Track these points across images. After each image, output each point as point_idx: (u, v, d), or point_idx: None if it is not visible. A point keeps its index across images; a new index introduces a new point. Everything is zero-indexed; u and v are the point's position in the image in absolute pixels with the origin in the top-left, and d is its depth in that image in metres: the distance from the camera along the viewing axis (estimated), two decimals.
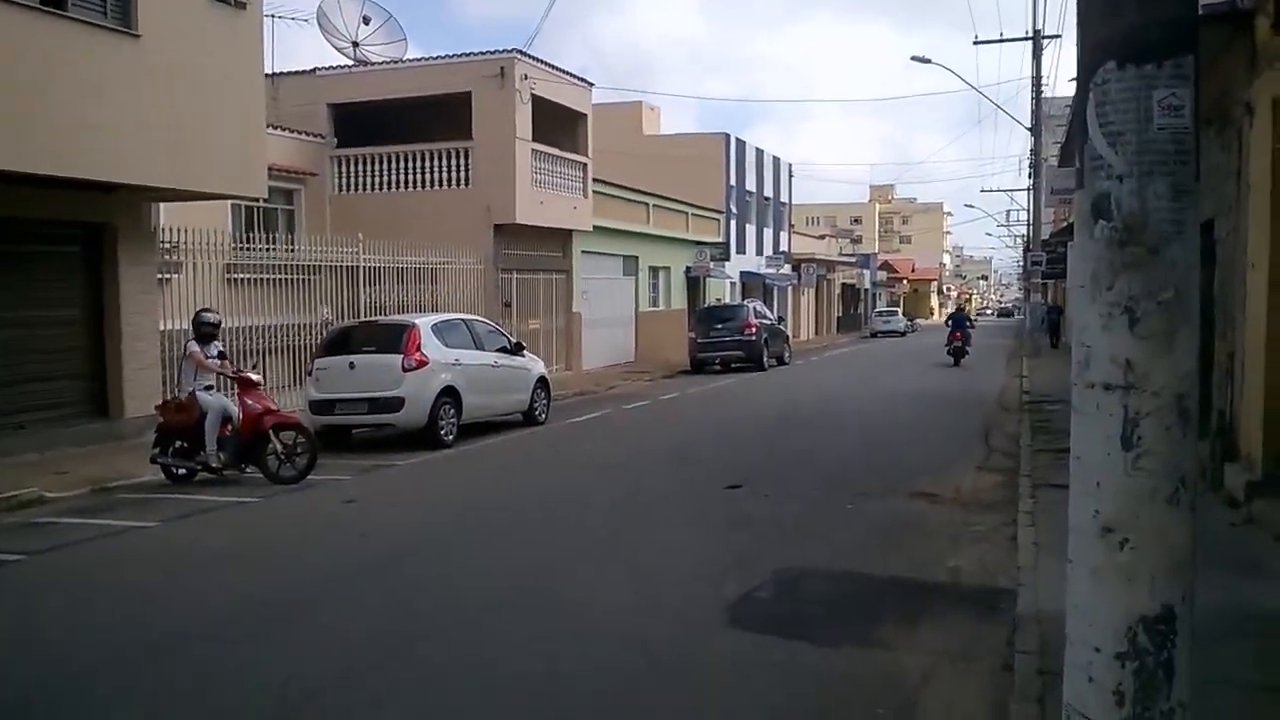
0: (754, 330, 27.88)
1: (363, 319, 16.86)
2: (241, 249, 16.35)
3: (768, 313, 31.80)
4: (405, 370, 13.34)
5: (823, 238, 63.02)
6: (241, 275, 16.13)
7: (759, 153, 45.26)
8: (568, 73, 24.62)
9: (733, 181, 41.06)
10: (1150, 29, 2.67)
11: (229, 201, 16.90)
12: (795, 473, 11.20)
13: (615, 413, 17.92)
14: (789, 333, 35.02)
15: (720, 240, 37.28)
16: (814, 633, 5.72)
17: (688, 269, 34.39)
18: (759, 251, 44.07)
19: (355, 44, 23.78)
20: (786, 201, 49.58)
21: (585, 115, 25.43)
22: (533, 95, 22.34)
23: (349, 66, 23.55)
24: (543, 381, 16.34)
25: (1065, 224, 31.26)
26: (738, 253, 39.97)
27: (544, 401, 16.32)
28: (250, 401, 11.15)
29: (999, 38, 34.63)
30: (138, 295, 13.94)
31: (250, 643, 5.80)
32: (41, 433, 12.66)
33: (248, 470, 11.28)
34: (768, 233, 45.97)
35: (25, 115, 10.89)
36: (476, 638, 5.80)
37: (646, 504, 9.73)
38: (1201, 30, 3.18)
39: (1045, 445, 12.09)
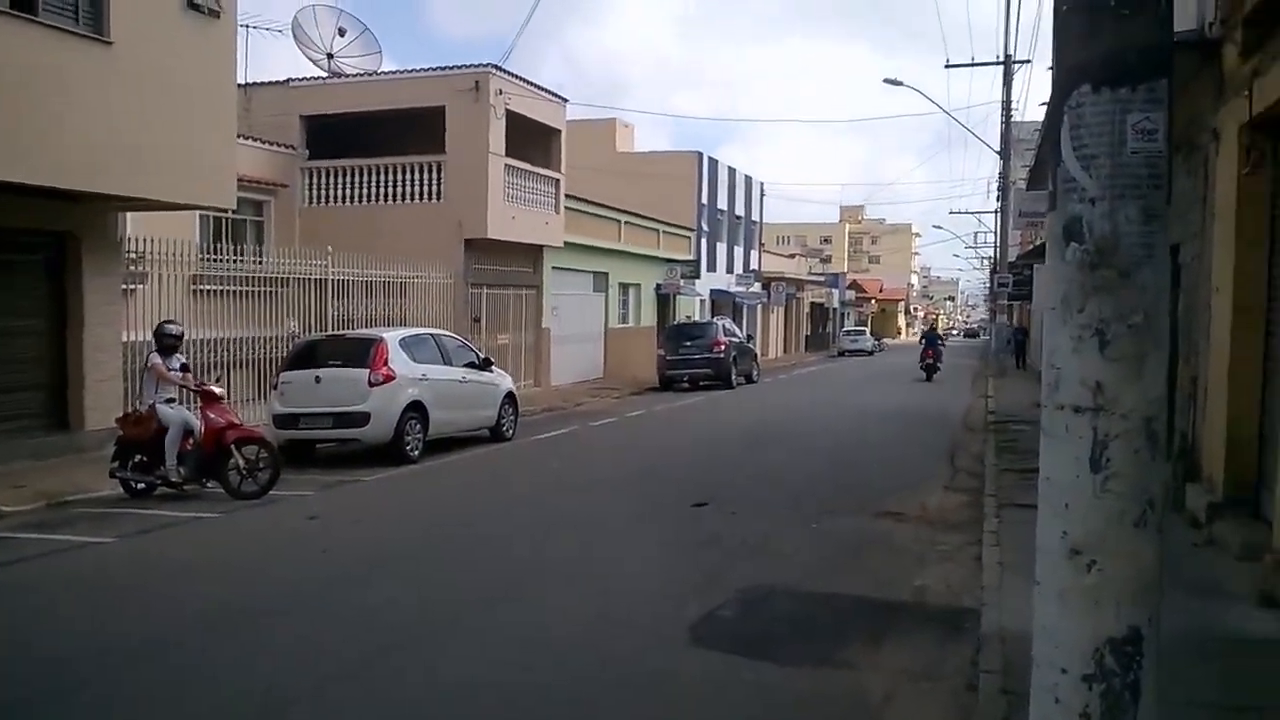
0: (723, 348, 27.92)
1: (330, 333, 16.72)
2: (208, 260, 16.16)
3: (737, 331, 31.87)
4: (371, 385, 13.22)
5: (793, 257, 63.31)
6: (208, 287, 15.95)
7: (731, 171, 45.45)
8: (542, 88, 24.63)
9: (704, 200, 41.19)
10: (1126, 53, 2.69)
11: (197, 212, 16.72)
12: (762, 491, 11.19)
13: (583, 429, 17.86)
14: (758, 351, 35.10)
15: (691, 258, 37.36)
16: (778, 652, 5.71)
17: (658, 286, 34.43)
18: (729, 270, 44.21)
19: (330, 56, 23.68)
20: (757, 220, 49.78)
21: (559, 131, 25.43)
22: (507, 110, 22.31)
23: (323, 78, 23.44)
24: (511, 397, 16.26)
25: (1032, 246, 31.59)
26: (708, 270, 40.08)
27: (511, 417, 16.24)
28: (212, 415, 11.00)
29: (970, 62, 34.96)
30: (101, 306, 13.74)
31: (210, 658, 5.70)
32: None
33: (209, 485, 11.12)
34: (738, 251, 46.13)
35: None
36: (444, 653, 5.74)
37: (613, 521, 9.69)
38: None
39: (1010, 465, 12.17)
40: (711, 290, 40.68)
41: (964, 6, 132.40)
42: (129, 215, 14.78)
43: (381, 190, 22.18)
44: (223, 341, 15.82)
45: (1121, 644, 2.67)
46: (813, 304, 63.65)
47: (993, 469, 12.00)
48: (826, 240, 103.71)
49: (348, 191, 22.30)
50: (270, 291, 17.24)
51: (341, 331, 16.71)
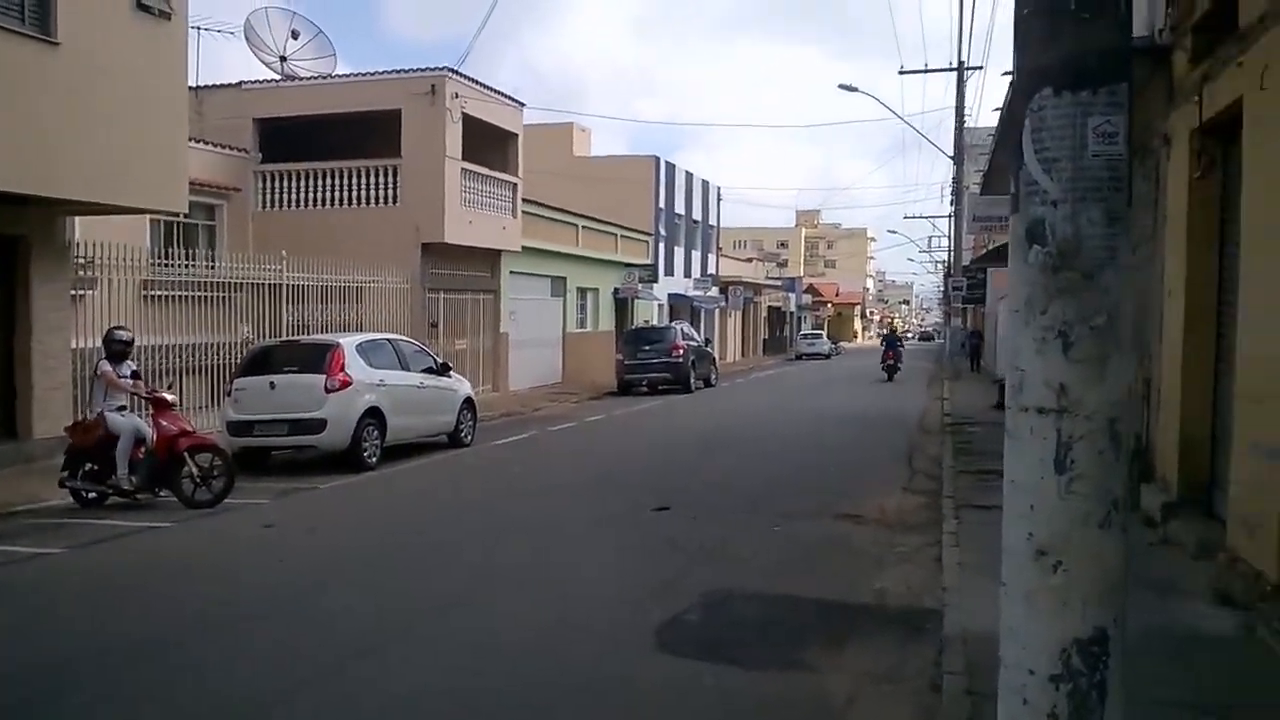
0: (681, 352, 27.96)
1: (285, 338, 16.51)
2: (160, 265, 15.90)
3: (695, 335, 31.95)
4: (328, 391, 13.07)
5: (750, 261, 63.62)
6: (159, 292, 15.69)
7: (688, 176, 45.57)
8: (499, 92, 24.54)
9: (662, 204, 41.26)
10: (1087, 57, 2.70)
11: (148, 216, 16.45)
12: (722, 495, 11.19)
13: (542, 434, 17.79)
14: (716, 355, 35.21)
15: (649, 262, 37.40)
16: (742, 656, 5.69)
17: (616, 290, 34.42)
18: (687, 274, 44.31)
19: (283, 59, 23.44)
20: (715, 225, 49.96)
21: (516, 135, 25.36)
22: (463, 114, 22.21)
23: (276, 81, 23.19)
24: (469, 403, 16.16)
25: (985, 251, 31.94)
26: (666, 275, 40.14)
27: (470, 423, 16.14)
28: (165, 423, 10.80)
29: (924, 68, 35.33)
30: (50, 312, 13.47)
31: (163, 671, 5.59)
32: None
33: (162, 494, 10.90)
34: (696, 255, 46.24)
35: None
36: (403, 662, 5.66)
37: (573, 526, 9.65)
38: None
39: (967, 467, 12.28)
40: (669, 294, 40.75)
41: (917, 13, 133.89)
42: (77, 219, 14.50)
43: (337, 194, 21.98)
44: (175, 348, 15.56)
45: (1088, 644, 2.67)
46: (770, 308, 64.00)
47: (950, 471, 12.10)
48: (783, 245, 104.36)
49: (302, 195, 22.07)
50: (223, 297, 17.00)
51: (297, 337, 16.49)
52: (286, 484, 12.31)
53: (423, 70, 21.98)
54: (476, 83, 23.23)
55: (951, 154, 35.68)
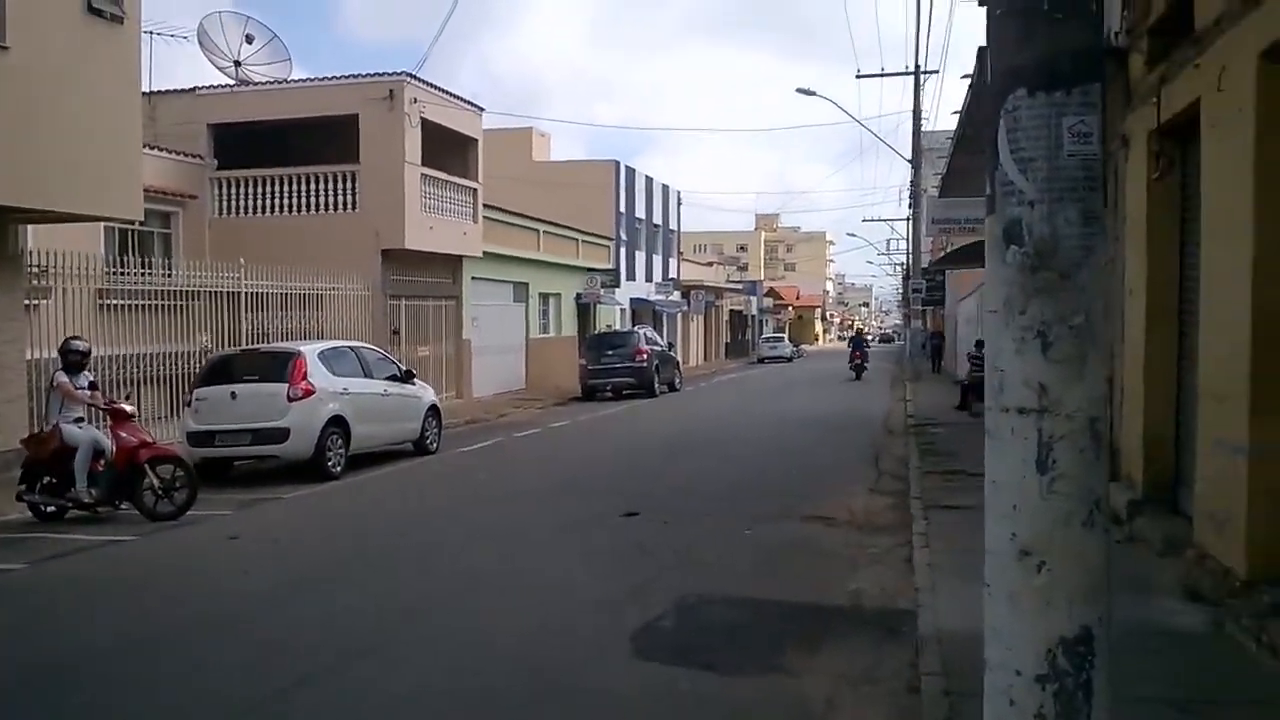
0: (645, 357, 27.95)
1: (245, 347, 16.29)
2: (115, 274, 15.62)
3: (658, 339, 31.96)
4: (291, 400, 12.91)
5: (711, 265, 63.77)
6: (115, 301, 15.41)
7: (648, 180, 45.61)
8: (458, 97, 24.42)
9: (623, 208, 41.26)
10: (1060, 57, 2.72)
11: (102, 224, 16.17)
12: (691, 499, 11.18)
13: (508, 441, 17.70)
14: (679, 359, 35.25)
15: (610, 267, 37.37)
16: (718, 661, 5.67)
17: (578, 296, 34.36)
18: (648, 278, 44.33)
19: (237, 63, 23.14)
20: (675, 229, 50.03)
21: (476, 140, 25.24)
22: (422, 119, 22.05)
23: (231, 86, 22.88)
24: (434, 410, 16.05)
25: (944, 253, 32.25)
26: (628, 279, 40.13)
27: (435, 430, 16.02)
28: (124, 434, 10.61)
29: (880, 72, 35.67)
30: (3, 322, 13.16)
31: (126, 685, 5.48)
32: None
33: (123, 507, 10.70)
34: (657, 260, 46.27)
35: None
36: (375, 669, 5.58)
37: (543, 533, 9.58)
38: None
39: (933, 467, 12.36)
40: (631, 299, 40.75)
41: (873, 17, 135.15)
42: (30, 228, 14.22)
43: (295, 200, 21.73)
44: (132, 357, 15.30)
45: (1074, 644, 2.68)
46: (732, 311, 64.17)
47: (916, 471, 12.16)
48: (743, 248, 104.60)
49: (260, 202, 21.79)
50: (181, 305, 16.74)
51: (257, 346, 16.28)
52: (250, 495, 12.14)
53: (381, 75, 21.80)
54: (435, 87, 23.09)
55: (909, 157, 35.99)
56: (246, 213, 21.76)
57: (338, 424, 13.37)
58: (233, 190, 21.93)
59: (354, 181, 21.60)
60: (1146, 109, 7.83)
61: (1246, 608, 5.42)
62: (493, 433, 18.88)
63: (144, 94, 15.70)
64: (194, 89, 22.66)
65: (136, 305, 15.77)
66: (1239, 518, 5.71)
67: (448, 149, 23.77)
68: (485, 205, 25.52)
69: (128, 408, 11.01)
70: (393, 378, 15.14)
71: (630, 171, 43.04)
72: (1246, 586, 5.58)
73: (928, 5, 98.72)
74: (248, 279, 17.90)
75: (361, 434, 13.89)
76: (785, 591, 7.14)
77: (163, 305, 16.37)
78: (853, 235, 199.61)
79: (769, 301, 76.65)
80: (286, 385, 12.96)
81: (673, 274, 47.97)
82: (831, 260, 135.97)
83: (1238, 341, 5.79)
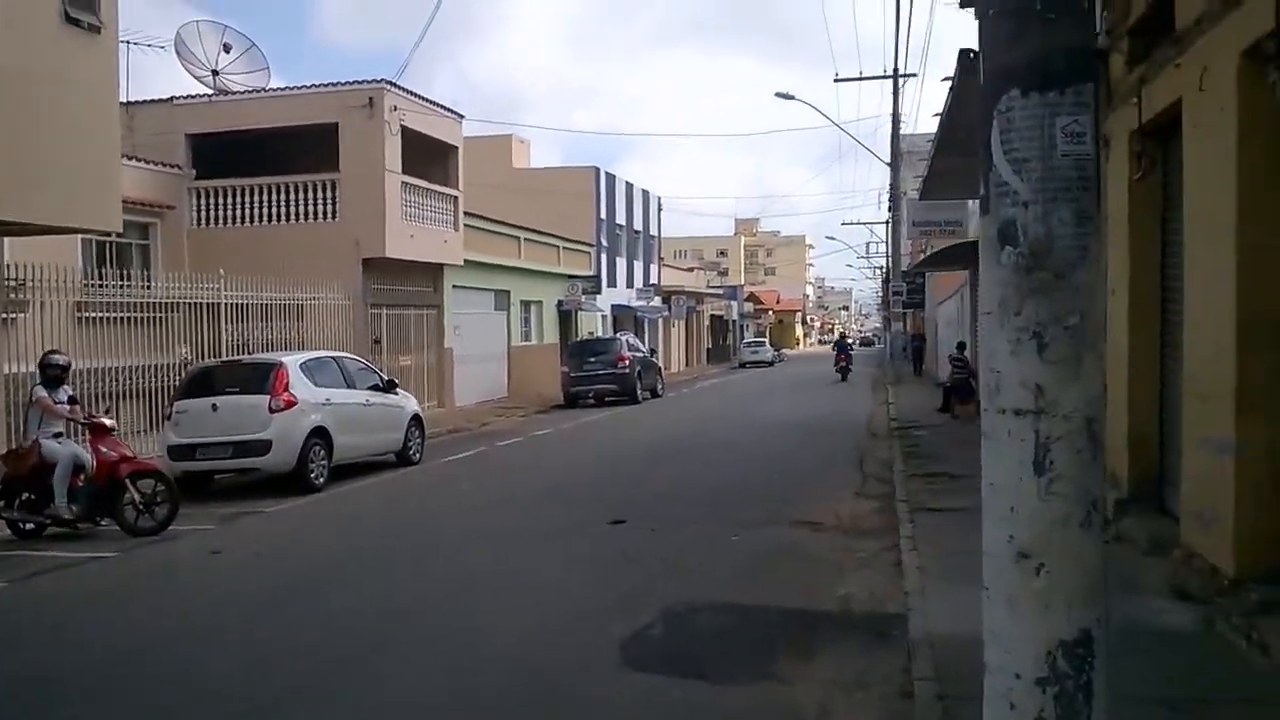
0: (627, 363, 27.92)
1: (225, 358, 16.16)
2: (93, 286, 15.46)
3: (640, 345, 31.93)
4: (272, 411, 12.81)
5: (691, 270, 63.79)
6: (93, 314, 15.25)
7: (629, 186, 45.61)
8: (438, 104, 24.32)
9: (603, 215, 41.24)
10: (1053, 57, 2.71)
11: (80, 236, 16.01)
12: (677, 506, 11.15)
13: (491, 450, 17.62)
14: (661, 365, 35.22)
15: (591, 273, 37.31)
16: (708, 669, 5.64)
17: (560, 303, 34.28)
18: (629, 284, 44.30)
19: (215, 72, 22.92)
20: (656, 234, 50.04)
21: (456, 148, 25.14)
22: (402, 127, 21.95)
23: (208, 95, 22.69)
24: (416, 419, 15.96)
25: (924, 255, 32.36)
26: (609, 286, 40.07)
27: (418, 440, 15.94)
28: (104, 449, 10.49)
29: (859, 76, 35.76)
30: None
31: (120, 701, 5.40)
32: None
33: (103, 523, 10.57)
34: (638, 265, 46.27)
35: None
36: (365, 679, 5.53)
37: (529, 542, 9.53)
38: None
39: (917, 470, 12.38)
40: (613, 305, 40.70)
41: (850, 20, 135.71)
42: (6, 240, 14.04)
43: (274, 210, 21.57)
44: (111, 371, 15.12)
45: (1073, 646, 2.67)
46: (713, 316, 64.19)
47: (901, 475, 12.17)
48: (723, 253, 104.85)
49: (239, 212, 21.63)
50: (160, 317, 16.57)
51: (238, 357, 16.15)
52: (232, 508, 12.03)
53: (360, 83, 21.69)
54: (415, 95, 23.00)
55: (888, 160, 36.13)
56: (226, 223, 21.60)
57: (320, 435, 13.27)
58: (212, 200, 21.76)
59: (334, 190, 21.49)
60: (1127, 109, 7.86)
61: (1235, 606, 5.43)
62: (476, 442, 18.81)
63: (121, 104, 15.55)
64: (171, 99, 22.50)
65: (115, 318, 15.61)
66: (1226, 516, 5.72)
67: (428, 157, 23.68)
68: (466, 213, 25.42)
69: (108, 422, 10.89)
70: (375, 388, 15.05)
71: (610, 178, 43.02)
72: (1235, 585, 5.59)
73: (907, 8, 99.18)
74: (227, 290, 17.75)
75: (344, 445, 13.79)
76: (774, 597, 7.11)
77: (142, 317, 16.21)
78: (832, 239, 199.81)
79: (750, 306, 76.73)
80: (268, 397, 12.86)
81: (654, 280, 47.95)
82: (811, 264, 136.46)
83: (1222, 340, 5.81)
